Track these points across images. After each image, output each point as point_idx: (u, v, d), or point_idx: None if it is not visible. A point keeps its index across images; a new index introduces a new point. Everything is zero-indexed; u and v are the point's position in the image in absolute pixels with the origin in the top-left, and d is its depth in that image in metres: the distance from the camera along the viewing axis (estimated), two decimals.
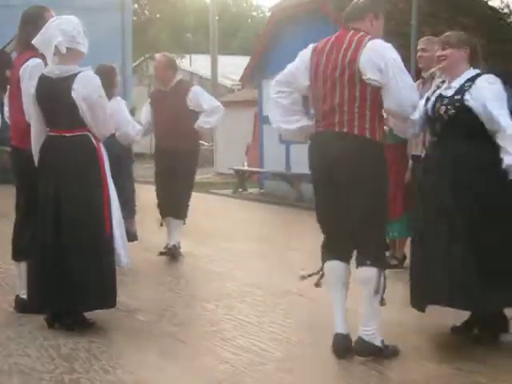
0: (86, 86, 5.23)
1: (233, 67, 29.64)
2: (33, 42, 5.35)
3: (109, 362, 4.65)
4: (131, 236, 7.02)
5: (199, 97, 8.13)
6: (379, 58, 4.58)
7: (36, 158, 5.42)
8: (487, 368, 4.53)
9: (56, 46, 5.18)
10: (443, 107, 4.92)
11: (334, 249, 4.80)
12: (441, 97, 4.99)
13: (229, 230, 10.72)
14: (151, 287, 6.79)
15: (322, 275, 4.87)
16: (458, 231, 4.75)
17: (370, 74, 4.56)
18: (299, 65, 4.87)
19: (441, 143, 4.97)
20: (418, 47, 7.04)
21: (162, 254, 8.27)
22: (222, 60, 30.56)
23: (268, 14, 22.37)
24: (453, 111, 4.87)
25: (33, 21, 5.67)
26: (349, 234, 4.75)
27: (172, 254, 8.15)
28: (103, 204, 5.34)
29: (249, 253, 8.74)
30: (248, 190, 17.14)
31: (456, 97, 4.89)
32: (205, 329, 5.44)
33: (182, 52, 33.26)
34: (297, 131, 4.99)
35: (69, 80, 5.22)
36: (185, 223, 8.28)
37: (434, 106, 4.99)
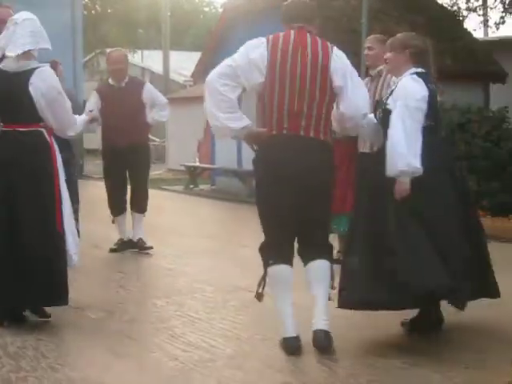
0: (43, 81, 5.23)
1: (185, 63, 29.52)
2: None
3: (57, 360, 4.60)
4: None
5: (153, 92, 8.39)
6: (343, 64, 4.73)
7: None
8: (431, 360, 4.59)
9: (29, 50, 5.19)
10: (377, 111, 5.06)
11: (282, 252, 4.77)
12: (381, 100, 5.10)
13: (180, 227, 10.70)
14: (101, 284, 6.74)
15: (265, 283, 4.84)
16: (394, 232, 4.81)
17: (337, 82, 4.68)
18: (254, 59, 4.62)
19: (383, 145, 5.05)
20: (365, 45, 7.10)
21: (112, 250, 8.24)
22: (174, 56, 30.42)
23: (220, 10, 22.35)
24: (381, 114, 4.99)
25: None
26: (295, 235, 4.80)
27: (140, 247, 8.26)
28: (54, 201, 5.28)
29: (199, 249, 8.72)
30: (199, 186, 17.12)
31: (385, 100, 5.02)
32: (155, 325, 5.42)
33: (133, 47, 33.04)
34: (241, 131, 4.70)
35: (26, 74, 5.22)
36: (144, 216, 8.37)
37: (376, 109, 5.10)
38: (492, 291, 5.13)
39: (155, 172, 19.38)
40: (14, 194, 5.23)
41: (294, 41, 4.68)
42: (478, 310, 5.06)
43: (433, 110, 4.91)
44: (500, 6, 21.09)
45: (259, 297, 4.90)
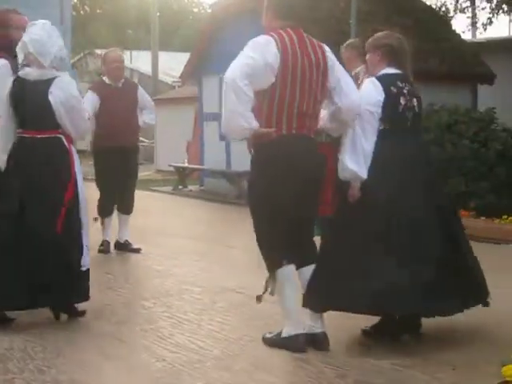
0: (63, 90, 5.37)
1: (174, 64, 29.49)
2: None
3: (44, 362, 4.58)
4: None
5: (145, 95, 8.52)
6: (334, 61, 4.84)
7: (4, 157, 5.41)
8: (420, 362, 4.60)
9: (55, 57, 5.34)
10: None
11: (293, 252, 4.76)
12: None
13: (168, 228, 10.69)
14: (89, 285, 6.70)
15: (272, 285, 4.80)
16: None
17: (332, 79, 4.78)
18: (269, 58, 4.55)
19: None
20: None
21: (101, 251, 8.22)
22: (163, 56, 30.42)
23: (209, 11, 22.31)
24: None
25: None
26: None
27: (128, 248, 8.32)
28: (62, 204, 5.32)
29: (188, 250, 8.72)
30: (188, 187, 17.10)
31: None
32: (143, 327, 5.40)
33: (122, 48, 32.98)
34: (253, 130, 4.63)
35: (46, 83, 5.35)
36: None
37: None
38: (484, 298, 5.13)
39: (144, 173, 19.36)
40: (26, 195, 5.31)
41: (298, 43, 4.67)
42: (466, 311, 5.07)
43: (388, 113, 4.95)
44: (488, 7, 21.19)
45: (260, 298, 4.84)
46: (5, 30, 5.58)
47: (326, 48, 4.84)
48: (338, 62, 4.88)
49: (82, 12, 37.02)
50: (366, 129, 4.89)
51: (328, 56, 4.79)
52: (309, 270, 4.81)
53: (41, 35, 5.33)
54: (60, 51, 5.41)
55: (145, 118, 8.35)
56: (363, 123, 4.89)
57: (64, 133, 5.43)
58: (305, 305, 4.85)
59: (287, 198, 4.66)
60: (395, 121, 4.99)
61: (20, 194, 5.31)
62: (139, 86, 8.52)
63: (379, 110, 4.92)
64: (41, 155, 5.36)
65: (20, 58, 5.40)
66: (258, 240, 4.87)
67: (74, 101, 5.43)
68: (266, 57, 4.56)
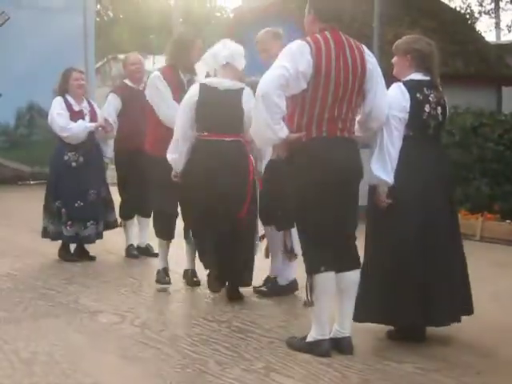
0: (251, 100, 5.70)
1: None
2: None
3: (69, 366, 4.60)
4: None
5: None
6: (375, 66, 4.79)
7: (182, 159, 6.13)
8: (444, 365, 4.60)
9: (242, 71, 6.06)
10: None
11: (332, 259, 4.71)
12: None
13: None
14: (113, 289, 6.74)
15: (312, 290, 4.74)
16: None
17: (368, 84, 4.75)
18: (302, 66, 4.54)
19: None
20: None
21: (134, 256, 8.22)
22: None
23: (231, 16, 22.34)
24: None
25: (184, 44, 6.73)
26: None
27: (148, 252, 8.30)
28: (246, 196, 6.01)
29: None
30: None
31: None
32: (167, 330, 5.41)
33: (145, 52, 33.14)
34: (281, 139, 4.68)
35: (238, 92, 6.05)
36: None
37: None
38: (470, 307, 5.09)
39: None
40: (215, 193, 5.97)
41: (334, 47, 4.63)
42: (492, 313, 5.04)
43: (412, 120, 4.94)
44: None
45: (310, 304, 4.78)
46: (188, 54, 6.64)
47: (366, 50, 4.79)
48: (377, 66, 4.82)
49: (105, 18, 37.22)
50: (393, 134, 4.89)
51: (367, 59, 4.75)
52: (350, 275, 4.78)
53: (238, 53, 6.11)
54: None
55: None
56: (390, 129, 4.88)
57: (244, 137, 6.01)
58: (360, 320, 4.96)
59: (329, 199, 4.63)
60: (417, 128, 4.98)
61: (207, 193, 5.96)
62: None
63: (406, 116, 4.91)
64: (227, 156, 5.95)
65: (209, 68, 6.20)
66: (300, 241, 4.90)
67: None
68: (300, 65, 4.54)
